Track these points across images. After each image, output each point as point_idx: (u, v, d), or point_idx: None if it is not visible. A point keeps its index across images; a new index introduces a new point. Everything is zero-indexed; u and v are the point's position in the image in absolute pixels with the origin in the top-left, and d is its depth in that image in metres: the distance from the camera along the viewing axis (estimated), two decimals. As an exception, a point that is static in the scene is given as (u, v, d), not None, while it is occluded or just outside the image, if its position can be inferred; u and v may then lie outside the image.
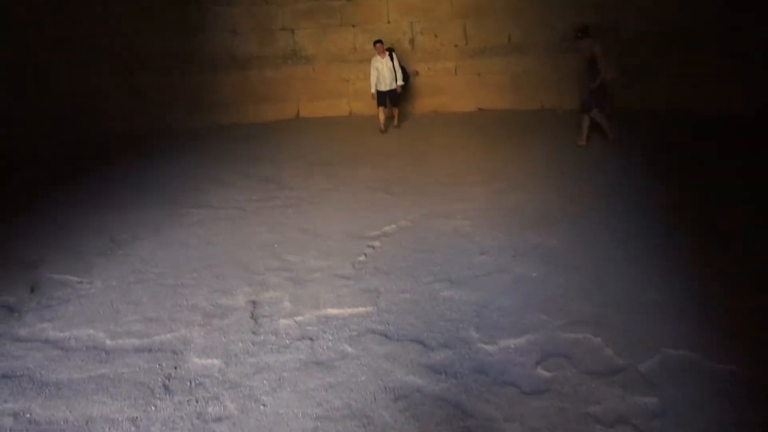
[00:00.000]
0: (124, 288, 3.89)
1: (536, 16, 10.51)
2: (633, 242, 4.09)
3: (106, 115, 9.79)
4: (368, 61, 9.57)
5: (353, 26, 11.19)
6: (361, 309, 3.47)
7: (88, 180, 6.79)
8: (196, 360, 3.07)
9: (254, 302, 3.61)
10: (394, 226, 4.73)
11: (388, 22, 11.16)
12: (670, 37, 9.09)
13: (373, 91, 9.50)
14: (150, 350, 3.18)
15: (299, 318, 3.42)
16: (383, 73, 9.34)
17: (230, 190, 6.14)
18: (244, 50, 11.13)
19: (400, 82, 9.51)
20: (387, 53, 9.32)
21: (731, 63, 8.34)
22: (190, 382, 2.90)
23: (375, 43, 9.36)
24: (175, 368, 3.01)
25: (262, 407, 2.68)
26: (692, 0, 8.73)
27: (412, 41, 11.18)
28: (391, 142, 8.45)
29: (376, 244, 4.40)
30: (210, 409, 2.69)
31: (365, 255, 4.21)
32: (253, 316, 3.47)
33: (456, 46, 10.90)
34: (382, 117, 9.54)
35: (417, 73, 11.00)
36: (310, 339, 3.19)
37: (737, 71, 8.44)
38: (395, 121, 9.90)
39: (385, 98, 9.53)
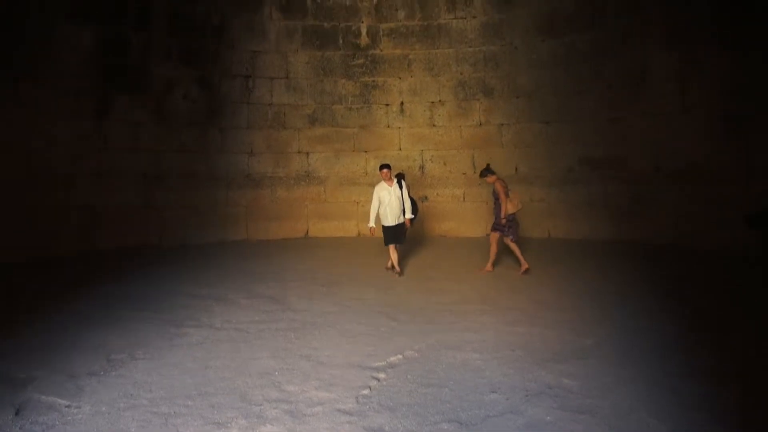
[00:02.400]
0: (113, 415, 3.66)
1: (542, 149, 10.93)
2: (650, 381, 3.88)
3: (120, 230, 9.93)
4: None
5: (365, 152, 11.66)
6: (363, 450, 3.22)
7: (91, 294, 6.71)
8: (181, 504, 2.80)
9: (249, 437, 3.37)
10: (400, 356, 4.55)
11: (400, 149, 11.64)
12: (674, 170, 9.34)
13: (371, 224, 7.87)
14: (132, 489, 2.91)
15: (296, 458, 3.17)
16: (391, 204, 7.76)
17: (234, 310, 6.02)
18: (259, 170, 11.52)
19: (409, 215, 7.99)
20: (395, 180, 7.97)
21: (735, 193, 8.45)
22: None
23: (381, 168, 7.97)
24: None
25: None
26: (694, 134, 9.06)
27: (422, 168, 11.58)
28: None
29: (382, 375, 4.20)
30: None
31: (369, 388, 4.00)
32: (246, 453, 3.22)
33: (464, 174, 11.26)
34: (394, 256, 7.86)
35: (426, 198, 11.27)
36: (307, 483, 2.93)
37: (741, 201, 8.51)
38: (396, 268, 7.88)
39: (394, 234, 7.85)
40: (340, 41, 11.66)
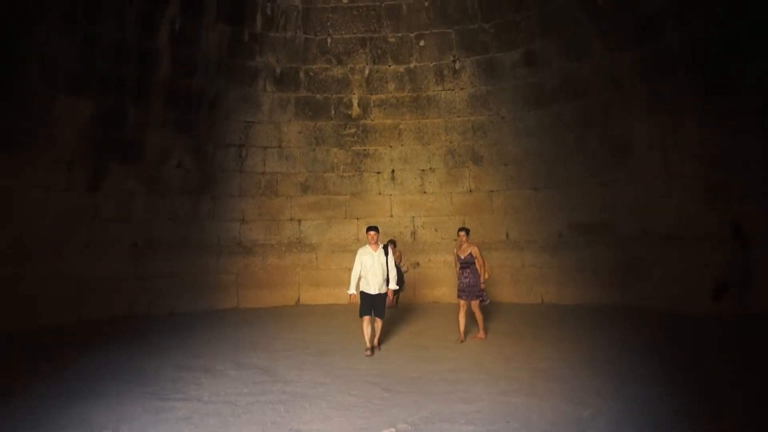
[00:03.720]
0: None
1: (532, 215, 11.07)
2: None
3: (108, 300, 9.80)
4: None
5: (357, 219, 11.75)
6: None
7: (77, 366, 6.55)
8: None
9: None
10: (393, 429, 4.43)
11: (391, 216, 11.75)
12: (662, 235, 9.45)
13: (351, 290, 7.27)
14: None
15: None
16: (373, 270, 7.10)
17: (222, 382, 5.88)
18: (250, 237, 11.55)
19: (393, 286, 7.28)
20: (380, 246, 7.34)
21: (723, 257, 8.53)
22: None
23: (368, 230, 7.35)
24: None
25: None
26: (679, 199, 9.24)
27: (413, 234, 11.65)
28: (390, 334, 8.30)
29: (374, 450, 4.07)
30: None
31: (361, 463, 3.87)
32: None
33: (455, 240, 11.30)
34: (368, 331, 7.11)
35: (418, 264, 11.27)
36: None
37: (729, 265, 8.55)
38: (375, 341, 7.21)
39: (371, 304, 7.11)
40: (332, 112, 11.98)
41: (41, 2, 8.74)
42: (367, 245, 7.34)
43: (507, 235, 11.28)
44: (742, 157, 8.38)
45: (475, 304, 7.68)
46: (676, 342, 7.16)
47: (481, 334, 7.76)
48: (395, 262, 7.71)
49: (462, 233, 7.91)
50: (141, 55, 10.16)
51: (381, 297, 7.19)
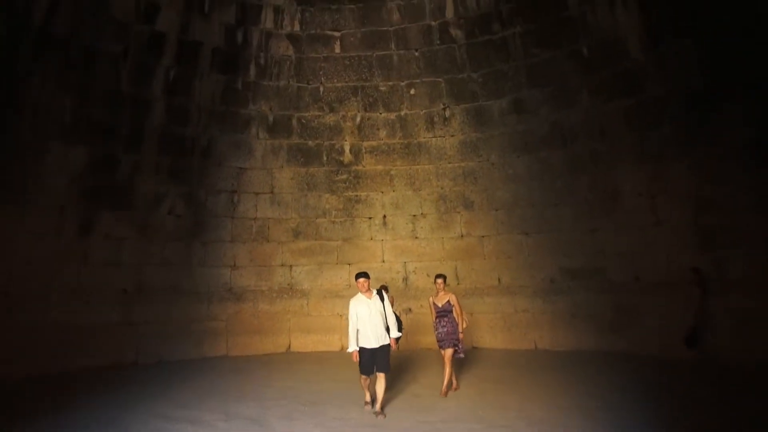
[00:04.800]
0: None
1: (524, 260, 11.09)
2: None
3: (96, 348, 9.61)
4: None
5: (349, 264, 11.73)
6: None
7: (59, 420, 6.36)
8: None
9: None
10: (386, 483, 4.31)
11: (383, 261, 11.73)
12: (653, 281, 9.48)
13: (353, 347, 6.49)
14: None
15: None
16: (372, 320, 6.42)
17: (210, 434, 5.73)
18: (241, 283, 11.46)
19: (395, 333, 6.69)
20: (374, 292, 6.71)
21: (714, 304, 8.54)
22: None
23: (358, 277, 6.67)
24: None
25: None
26: (669, 245, 9.31)
27: (405, 280, 11.61)
28: (383, 382, 8.14)
29: (367, 506, 3.95)
30: None
31: None
32: None
33: (448, 285, 11.25)
34: (375, 389, 6.47)
35: (410, 310, 11.19)
36: None
37: (720, 312, 8.54)
38: (377, 404, 6.41)
39: (373, 359, 6.43)
40: (324, 158, 12.10)
41: (37, 54, 8.88)
42: (359, 294, 6.65)
43: (499, 280, 11.26)
44: (728, 204, 8.51)
45: (449, 353, 7.28)
46: (670, 389, 7.10)
47: (455, 384, 7.49)
48: None
49: (439, 280, 7.63)
50: (135, 103, 10.30)
51: (384, 349, 6.48)
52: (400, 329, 7.03)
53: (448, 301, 7.48)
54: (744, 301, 8.17)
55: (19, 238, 9.06)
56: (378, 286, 7.25)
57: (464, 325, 7.50)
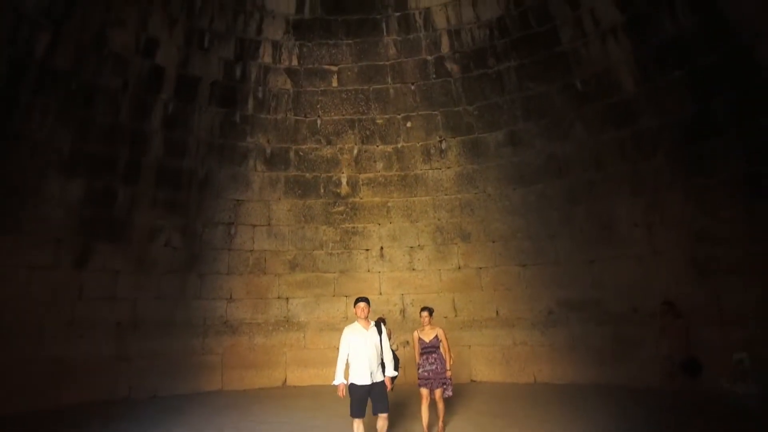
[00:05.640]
0: None
1: (522, 291, 11.04)
2: None
3: (89, 383, 9.46)
4: None
5: (346, 297, 11.66)
6: None
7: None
8: None
9: None
10: None
11: (380, 294, 11.67)
12: (651, 312, 9.41)
13: (339, 380, 5.88)
14: None
15: None
16: (366, 353, 5.79)
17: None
18: (237, 316, 11.37)
19: (391, 372, 6.07)
20: (372, 323, 6.13)
21: (711, 335, 8.50)
22: None
23: (357, 302, 6.08)
24: None
25: None
26: (666, 276, 9.29)
27: (403, 312, 11.54)
28: (374, 419, 8.00)
29: None
30: None
31: None
32: None
33: (446, 317, 11.20)
34: None
35: (408, 343, 11.07)
36: None
37: (718, 344, 8.47)
38: None
39: (365, 401, 5.81)
40: (321, 190, 12.14)
41: (38, 88, 8.98)
42: (356, 322, 6.02)
43: (497, 312, 11.19)
44: (724, 234, 8.53)
45: (438, 393, 6.82)
46: (670, 423, 6.99)
47: (440, 426, 7.05)
48: None
49: (424, 313, 7.07)
50: (134, 136, 10.37)
51: (379, 387, 5.83)
52: (396, 368, 6.41)
53: (436, 336, 6.96)
54: (742, 332, 8.12)
55: (15, 270, 9.01)
56: (376, 318, 6.87)
57: (451, 362, 7.03)
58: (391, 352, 6.19)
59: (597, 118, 10.13)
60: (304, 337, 11.58)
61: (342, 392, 5.88)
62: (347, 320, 11.32)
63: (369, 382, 5.76)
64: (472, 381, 10.73)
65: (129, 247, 10.45)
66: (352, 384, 5.79)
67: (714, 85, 8.49)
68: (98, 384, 9.65)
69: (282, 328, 11.59)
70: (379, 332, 6.07)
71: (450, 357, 7.05)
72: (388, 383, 6.00)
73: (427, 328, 7.03)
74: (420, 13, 11.80)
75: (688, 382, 8.44)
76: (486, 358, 11.01)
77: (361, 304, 6.03)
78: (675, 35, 8.82)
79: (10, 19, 8.51)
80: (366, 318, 6.07)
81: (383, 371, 5.97)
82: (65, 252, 9.65)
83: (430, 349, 6.91)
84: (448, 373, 6.94)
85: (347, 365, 5.91)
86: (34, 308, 9.17)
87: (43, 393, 8.95)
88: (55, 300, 9.48)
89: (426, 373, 6.85)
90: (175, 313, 10.88)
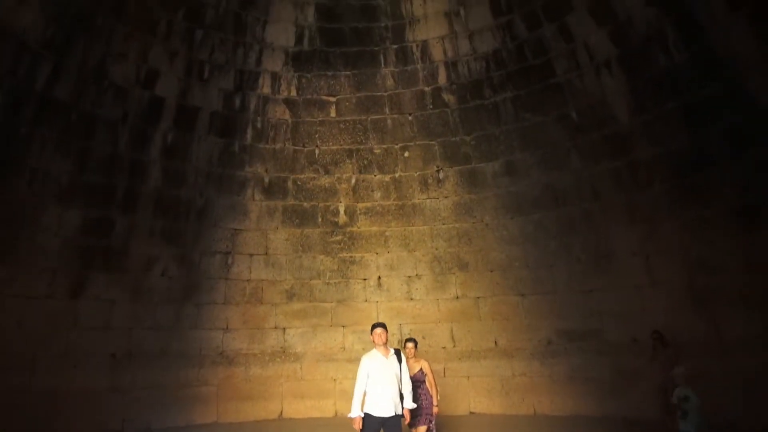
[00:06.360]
0: None
1: (520, 321, 10.99)
2: None
3: (81, 416, 9.28)
4: (357, 360, 6.03)
5: (343, 327, 11.57)
6: None
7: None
8: None
9: None
10: None
11: (378, 324, 11.52)
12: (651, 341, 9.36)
13: (356, 413, 5.50)
14: None
15: None
16: (385, 383, 5.45)
17: None
18: (233, 347, 11.25)
19: (410, 404, 5.78)
20: (392, 351, 5.80)
21: (712, 366, 8.43)
22: None
23: (374, 327, 5.79)
24: None
25: None
26: (664, 306, 9.26)
27: (401, 342, 11.40)
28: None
29: None
30: None
31: None
32: None
33: (444, 348, 11.12)
34: None
35: (405, 374, 10.95)
36: None
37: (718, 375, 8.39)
38: None
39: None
40: (319, 219, 12.14)
41: (38, 118, 9.04)
42: (374, 350, 5.65)
43: (495, 342, 11.10)
44: (721, 265, 8.54)
45: (422, 430, 6.39)
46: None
47: None
48: None
49: (409, 344, 6.75)
50: (132, 166, 10.40)
51: (393, 420, 5.44)
52: (415, 399, 6.05)
53: (421, 369, 6.62)
54: (743, 362, 8.06)
55: (10, 300, 8.93)
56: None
57: (438, 398, 6.65)
58: (410, 383, 5.90)
59: (593, 149, 10.23)
60: (300, 368, 11.43)
61: (358, 425, 5.50)
62: (344, 350, 11.23)
63: (386, 414, 5.44)
64: (471, 413, 10.58)
65: (125, 277, 10.38)
66: (367, 414, 5.47)
67: (707, 116, 8.61)
68: (91, 416, 9.46)
69: (278, 359, 11.45)
70: (399, 361, 5.77)
71: (437, 392, 6.68)
72: (407, 415, 5.74)
73: (411, 360, 6.65)
74: (417, 46, 12.00)
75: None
76: (485, 389, 10.88)
77: (378, 330, 5.73)
78: (668, 68, 8.98)
79: (12, 51, 8.61)
80: (385, 345, 5.72)
81: (401, 403, 5.67)
82: (61, 282, 9.58)
83: (415, 384, 6.44)
84: (436, 409, 6.61)
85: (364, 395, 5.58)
86: (28, 338, 9.06)
87: (36, 425, 8.76)
88: (50, 330, 9.37)
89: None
90: (170, 344, 10.75)
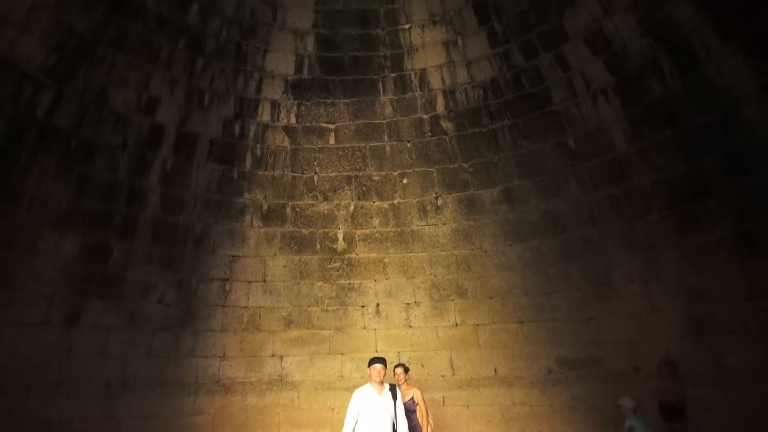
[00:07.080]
0: None
1: (520, 349, 10.89)
2: None
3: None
4: (355, 389, 6.26)
5: (341, 354, 11.45)
6: None
7: None
8: None
9: None
10: None
11: (376, 351, 11.46)
12: (652, 371, 9.23)
13: None
14: None
15: None
16: (379, 420, 5.35)
17: None
18: (230, 375, 11.12)
19: None
20: (387, 387, 5.74)
21: (714, 395, 8.33)
22: None
23: (373, 362, 5.76)
24: None
25: None
26: (665, 334, 9.18)
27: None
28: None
29: None
30: None
31: None
32: None
33: (443, 376, 11.00)
34: None
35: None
36: None
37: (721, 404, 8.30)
38: None
39: None
40: (318, 246, 12.12)
41: (38, 145, 9.08)
42: (368, 384, 5.64)
43: (495, 370, 10.98)
44: (721, 293, 8.50)
45: None
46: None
47: None
48: None
49: (398, 371, 6.54)
50: (131, 192, 10.41)
51: None
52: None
53: (412, 398, 6.43)
54: (744, 391, 7.97)
55: (4, 328, 8.85)
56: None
57: (431, 429, 6.36)
58: (405, 421, 5.73)
59: (590, 176, 10.28)
60: (298, 396, 11.28)
61: None
62: (342, 379, 11.10)
63: None
64: (469, 443, 10.42)
65: (122, 304, 10.31)
66: None
67: (704, 144, 8.66)
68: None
69: (275, 388, 11.31)
70: (394, 397, 5.68)
71: (429, 422, 6.37)
72: None
73: (402, 387, 6.44)
74: (416, 74, 12.14)
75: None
76: (485, 419, 10.72)
77: (378, 366, 5.65)
78: (664, 96, 9.06)
79: (14, 78, 8.70)
80: (381, 382, 5.64)
81: None
82: (57, 309, 9.49)
83: (405, 413, 6.15)
84: None
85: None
86: (23, 367, 8.95)
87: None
88: (44, 358, 9.26)
89: None
90: (166, 372, 10.62)
